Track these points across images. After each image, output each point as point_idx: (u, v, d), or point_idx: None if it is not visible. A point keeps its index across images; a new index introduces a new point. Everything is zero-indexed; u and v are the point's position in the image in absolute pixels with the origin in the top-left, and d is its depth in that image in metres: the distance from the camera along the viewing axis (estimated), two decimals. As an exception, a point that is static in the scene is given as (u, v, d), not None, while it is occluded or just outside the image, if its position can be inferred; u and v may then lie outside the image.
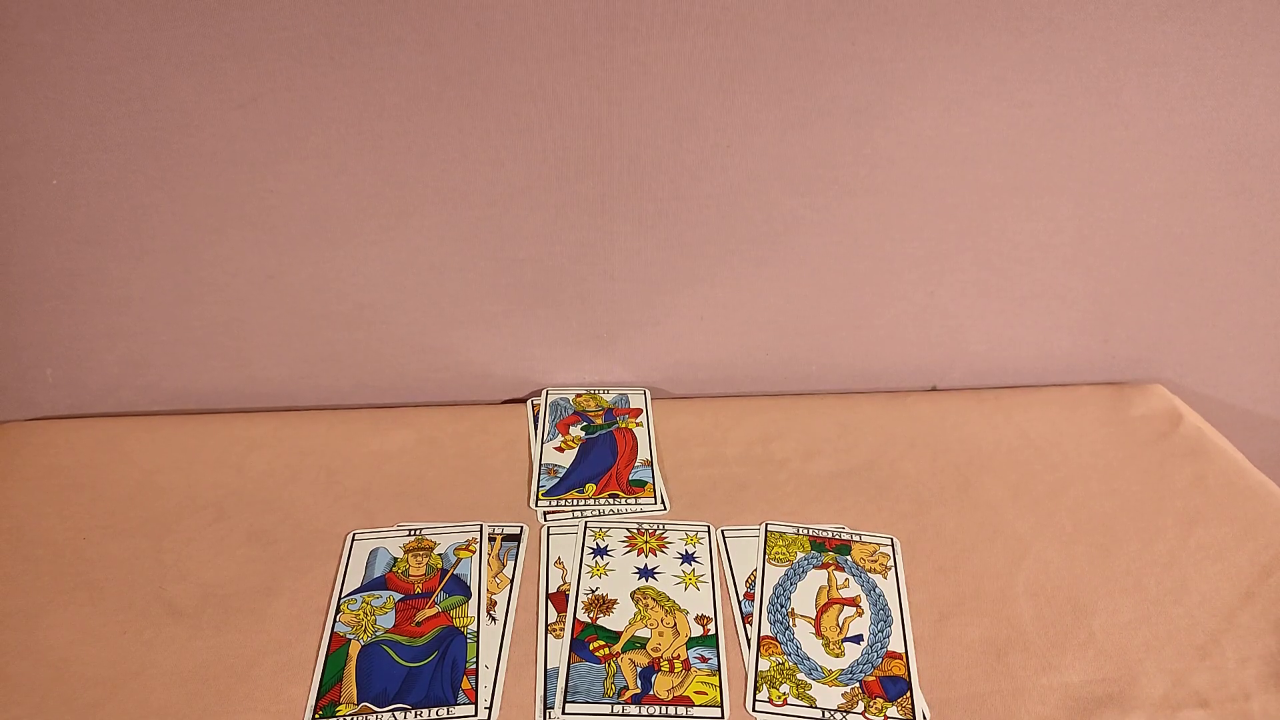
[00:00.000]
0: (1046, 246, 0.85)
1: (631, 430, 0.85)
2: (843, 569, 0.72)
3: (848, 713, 0.61)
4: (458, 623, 0.66)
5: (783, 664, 0.64)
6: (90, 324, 0.81)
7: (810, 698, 0.62)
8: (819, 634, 0.67)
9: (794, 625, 0.67)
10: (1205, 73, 0.74)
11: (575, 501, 0.77)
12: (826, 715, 0.61)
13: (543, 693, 0.62)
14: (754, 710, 0.61)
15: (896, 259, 0.84)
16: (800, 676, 0.64)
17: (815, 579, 0.71)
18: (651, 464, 0.81)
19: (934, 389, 0.95)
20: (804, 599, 0.69)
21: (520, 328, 0.86)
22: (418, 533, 0.74)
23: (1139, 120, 0.77)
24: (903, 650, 0.65)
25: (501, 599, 0.68)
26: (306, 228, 0.77)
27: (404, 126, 0.72)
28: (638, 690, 0.62)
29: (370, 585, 0.69)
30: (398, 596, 0.68)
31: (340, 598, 0.68)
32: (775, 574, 0.71)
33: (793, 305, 0.86)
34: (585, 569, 0.71)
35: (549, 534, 0.74)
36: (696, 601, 0.69)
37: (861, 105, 0.74)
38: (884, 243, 0.83)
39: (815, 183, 0.78)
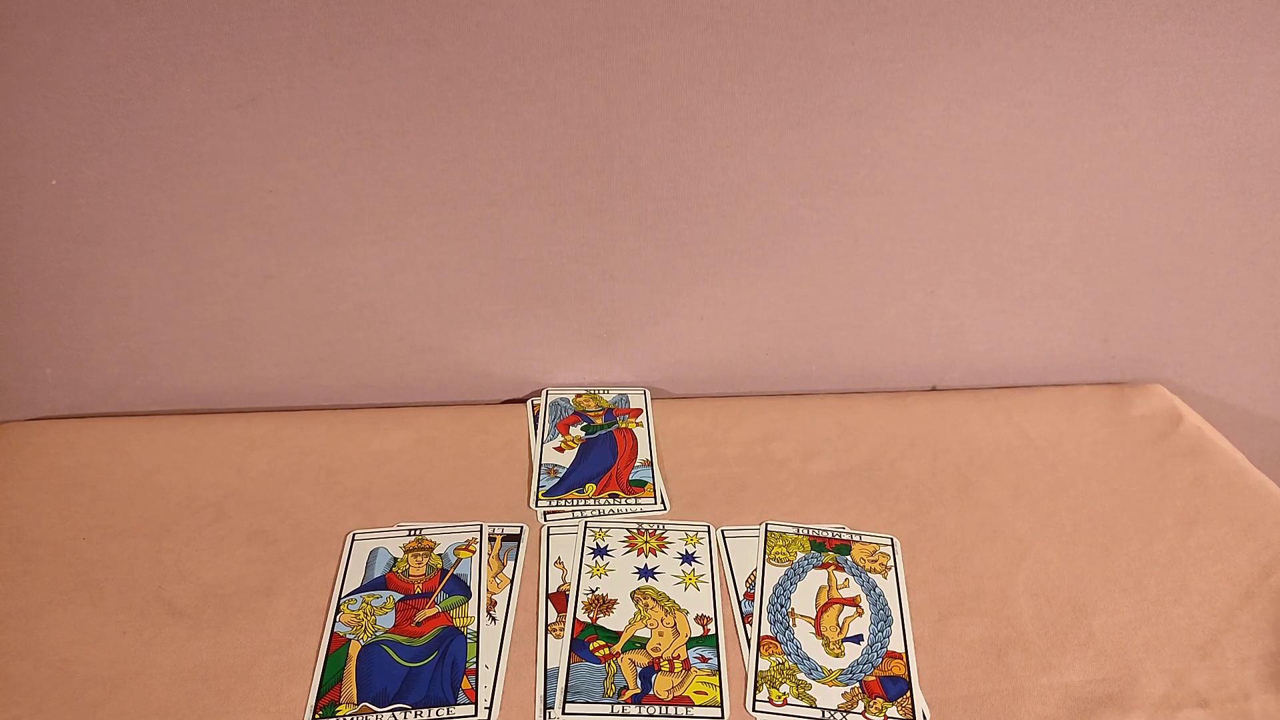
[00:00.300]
0: (1046, 246, 0.85)
1: (631, 430, 0.85)
2: (843, 569, 0.72)
3: (848, 713, 0.61)
4: (458, 623, 0.66)
5: (783, 664, 0.64)
6: (90, 324, 0.81)
7: (810, 698, 0.62)
8: (819, 634, 0.67)
9: (794, 625, 0.67)
10: (1205, 72, 0.74)
11: (575, 501, 0.77)
12: (826, 715, 0.61)
13: (543, 693, 0.62)
14: (754, 710, 0.61)
15: (896, 259, 0.84)
16: (800, 676, 0.64)
17: (815, 579, 0.71)
18: (651, 464, 0.81)
19: (934, 389, 0.95)
20: (804, 599, 0.69)
21: (520, 327, 0.86)
22: (418, 533, 0.74)
23: (1139, 120, 0.77)
24: (903, 650, 0.65)
25: (501, 599, 0.68)
26: (306, 228, 0.77)
27: (403, 126, 0.72)
28: (638, 690, 0.62)
29: (370, 585, 0.69)
30: (398, 596, 0.68)
31: (340, 598, 0.68)
32: (775, 574, 0.71)
33: (793, 305, 0.86)
34: (585, 569, 0.71)
35: (549, 534, 0.74)
36: (696, 601, 0.69)
37: (861, 105, 0.74)
38: (884, 243, 0.83)
39: (815, 183, 0.78)
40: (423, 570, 0.70)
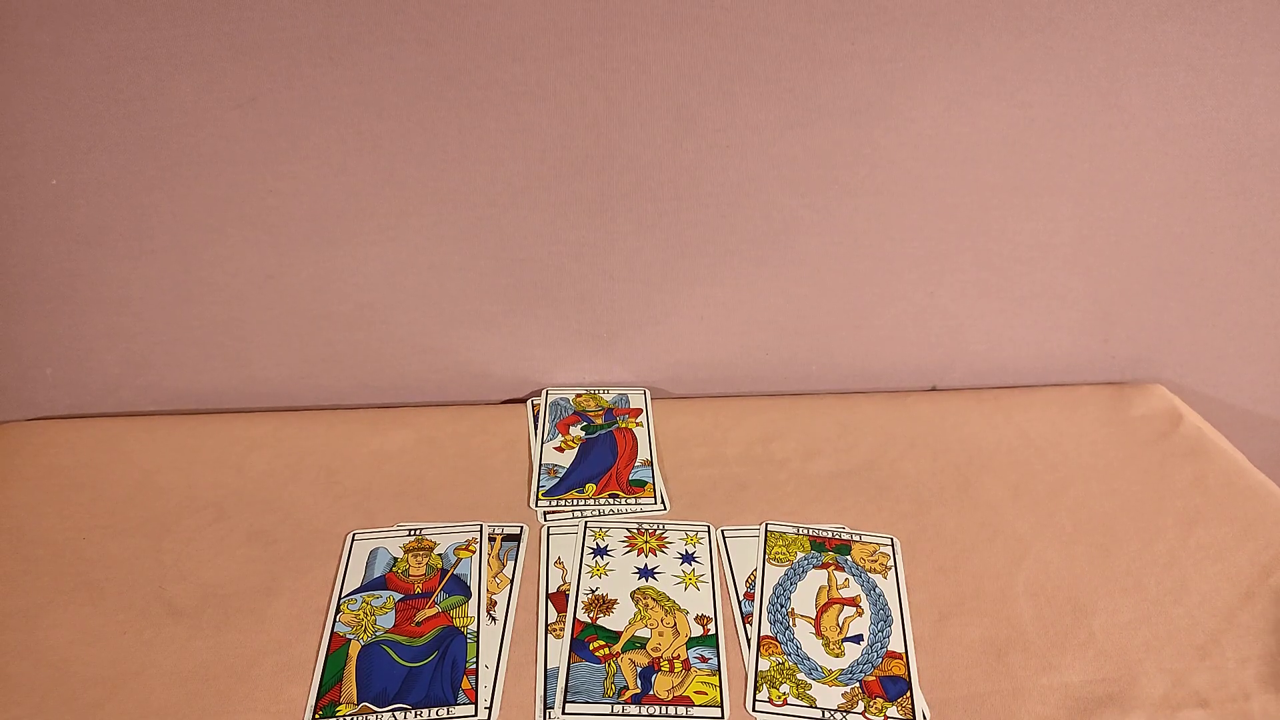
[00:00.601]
0: (1046, 246, 0.85)
1: (631, 430, 0.85)
2: (843, 569, 0.72)
3: (848, 713, 0.61)
4: (458, 623, 0.66)
5: (783, 664, 0.64)
6: (90, 324, 0.81)
7: (810, 698, 0.62)
8: (819, 634, 0.67)
9: (794, 625, 0.67)
10: (1205, 73, 0.74)
11: (575, 501, 0.77)
12: (826, 715, 0.61)
13: (543, 693, 0.62)
14: (754, 710, 0.61)
15: (896, 259, 0.84)
16: (800, 676, 0.64)
17: (815, 579, 0.71)
18: (651, 464, 0.81)
19: (934, 389, 0.95)
20: (804, 599, 0.69)
21: (520, 327, 0.86)
22: (418, 533, 0.74)
23: (1139, 120, 0.77)
24: (903, 650, 0.65)
25: (501, 599, 0.68)
26: (306, 228, 0.77)
27: (404, 126, 0.72)
28: (638, 690, 0.62)
29: (370, 585, 0.69)
30: (398, 596, 0.68)
31: (340, 598, 0.68)
32: (775, 574, 0.71)
33: (793, 305, 0.86)
34: (585, 569, 0.71)
35: (549, 534, 0.74)
36: (696, 601, 0.69)
37: (861, 105, 0.74)
38: (884, 243, 0.83)
39: (815, 183, 0.78)
40: (423, 570, 0.70)
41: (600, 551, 0.73)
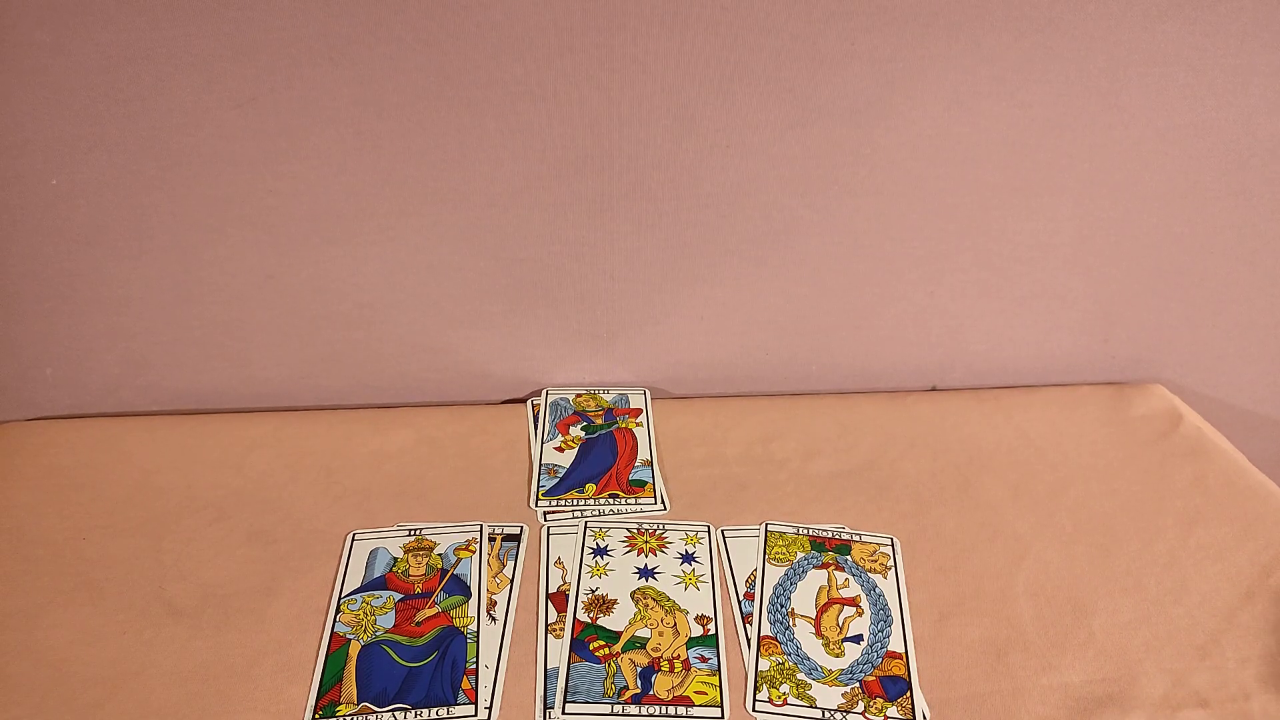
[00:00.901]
0: (1046, 246, 0.85)
1: (631, 430, 0.85)
2: (843, 569, 0.72)
3: (848, 713, 0.61)
4: (458, 623, 0.66)
5: (783, 664, 0.64)
6: (90, 324, 0.81)
7: (810, 698, 0.62)
8: (819, 634, 0.67)
9: (794, 625, 0.67)
10: (1205, 73, 0.74)
11: (575, 501, 0.77)
12: (826, 715, 0.61)
13: (543, 693, 0.62)
14: (754, 710, 0.61)
15: (896, 259, 0.84)
16: (800, 676, 0.64)
17: (815, 579, 0.71)
18: (651, 464, 0.81)
19: (934, 389, 0.95)
20: (804, 599, 0.69)
21: (520, 328, 0.86)
22: (418, 533, 0.74)
23: (1139, 120, 0.77)
24: (903, 650, 0.65)
25: (501, 599, 0.68)
26: (306, 228, 0.77)
27: (403, 126, 0.72)
28: (638, 690, 0.62)
29: (370, 585, 0.69)
30: (398, 596, 0.68)
31: (340, 598, 0.68)
32: (775, 574, 0.71)
33: (793, 305, 0.86)
34: (585, 569, 0.71)
35: (549, 534, 0.74)
36: (696, 601, 0.69)
37: (861, 105, 0.74)
38: (884, 243, 0.83)
39: (815, 183, 0.78)
40: (423, 570, 0.70)
41: (600, 551, 0.73)
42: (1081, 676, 0.64)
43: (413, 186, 0.75)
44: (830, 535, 0.74)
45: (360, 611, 0.67)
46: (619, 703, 0.61)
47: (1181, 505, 0.78)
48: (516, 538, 0.74)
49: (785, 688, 0.63)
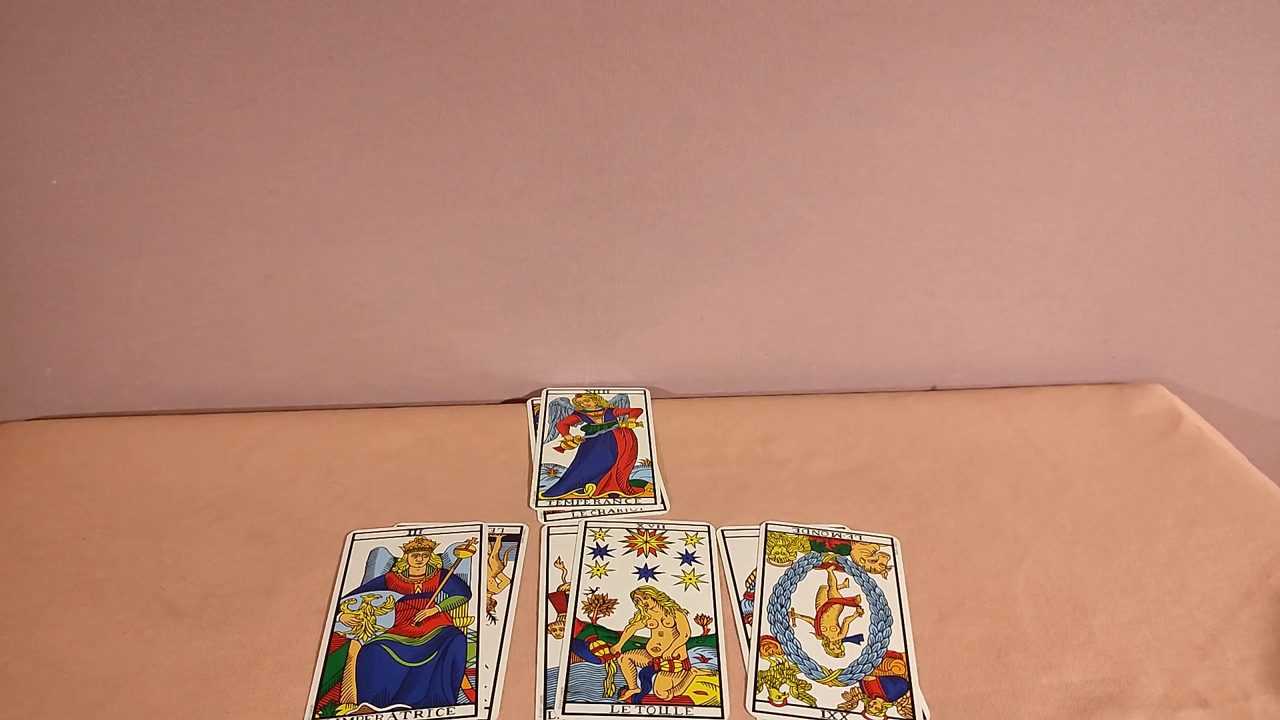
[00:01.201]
0: (1046, 246, 0.85)
1: (631, 430, 0.85)
2: (843, 569, 0.72)
3: (848, 713, 0.61)
4: (458, 623, 0.66)
5: (783, 664, 0.64)
6: (90, 324, 0.81)
7: (810, 698, 0.62)
8: (819, 634, 0.67)
9: (794, 625, 0.67)
10: (1205, 73, 0.74)
11: (575, 501, 0.77)
12: (826, 715, 0.61)
13: (543, 693, 0.62)
14: (754, 710, 0.61)
15: (896, 259, 0.84)
16: (800, 676, 0.64)
17: (815, 579, 0.71)
18: (651, 464, 0.81)
19: (934, 389, 0.95)
20: (804, 599, 0.69)
21: (520, 327, 0.86)
22: (418, 533, 0.74)
23: (1139, 120, 0.77)
24: (903, 650, 0.65)
25: (501, 599, 0.68)
26: (306, 228, 0.77)
27: (403, 126, 0.72)
28: (638, 690, 0.62)
29: (370, 585, 0.69)
30: (398, 596, 0.68)
31: (340, 598, 0.68)
32: (775, 574, 0.71)
33: (793, 305, 0.86)
34: (585, 569, 0.71)
35: (549, 534, 0.74)
36: (696, 601, 0.69)
37: (861, 105, 0.74)
38: (884, 243, 0.83)
39: (815, 183, 0.78)
40: (423, 570, 0.70)
41: (600, 551, 0.73)
42: (1081, 676, 0.64)
43: (413, 186, 0.75)
44: (830, 535, 0.74)
45: (360, 611, 0.67)
46: (619, 703, 0.61)
47: (1181, 505, 0.78)
48: (516, 538, 0.74)
49: (785, 688, 0.63)
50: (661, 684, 0.62)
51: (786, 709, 0.62)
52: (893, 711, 0.61)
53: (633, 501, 0.77)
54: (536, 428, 0.86)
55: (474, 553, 0.72)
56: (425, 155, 0.73)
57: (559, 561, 0.72)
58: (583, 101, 0.72)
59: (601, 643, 0.65)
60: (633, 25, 0.68)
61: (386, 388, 0.89)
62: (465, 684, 0.62)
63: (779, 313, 0.87)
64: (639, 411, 0.88)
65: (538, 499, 0.77)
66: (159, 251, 0.77)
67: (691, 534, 0.74)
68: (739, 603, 0.69)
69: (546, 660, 0.64)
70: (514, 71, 0.70)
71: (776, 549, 0.73)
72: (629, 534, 0.74)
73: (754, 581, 0.71)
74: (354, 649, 0.64)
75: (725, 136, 0.74)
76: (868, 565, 0.72)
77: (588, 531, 0.74)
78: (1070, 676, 0.63)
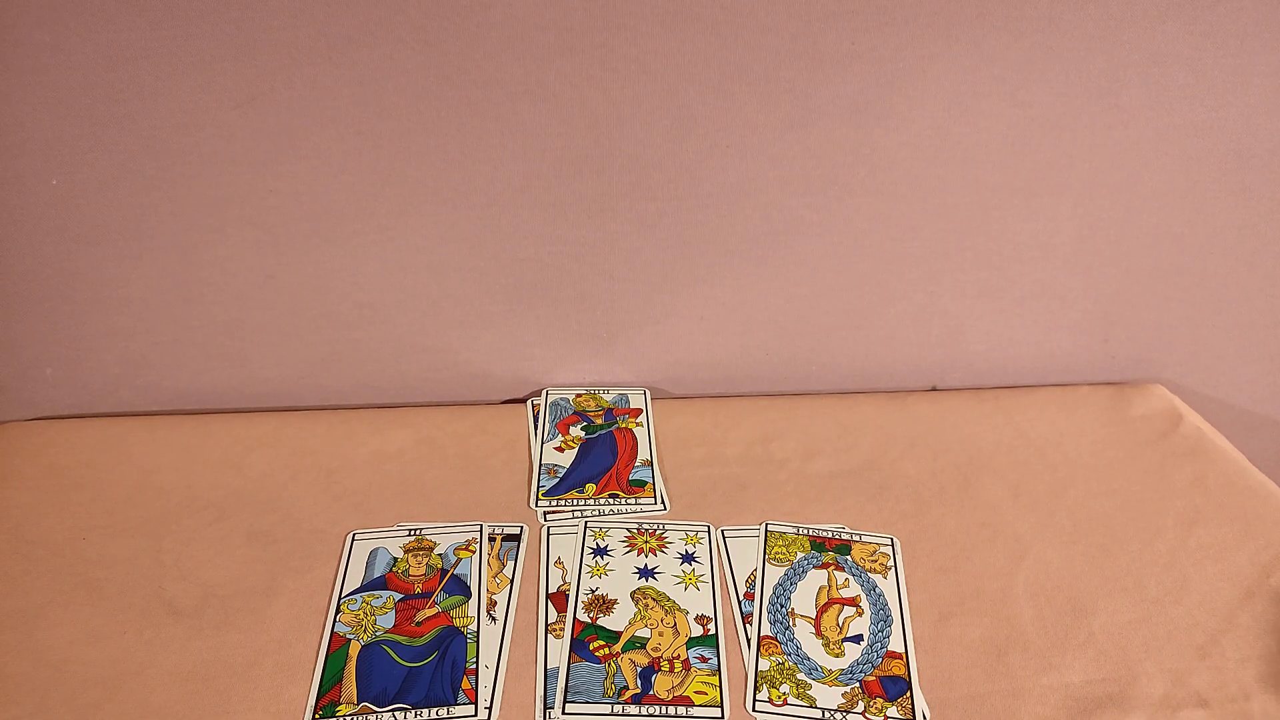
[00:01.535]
0: (1046, 246, 0.85)
1: (631, 430, 0.85)
2: (843, 569, 0.72)
3: (848, 713, 0.61)
4: (458, 623, 0.66)
5: (783, 664, 0.64)
6: (90, 324, 0.81)
7: (810, 698, 0.62)
8: (819, 634, 0.67)
9: (794, 625, 0.67)
10: (1205, 73, 0.74)
11: (575, 501, 0.77)
12: (826, 715, 0.61)
13: (543, 693, 0.62)
14: (754, 710, 0.61)
15: (896, 259, 0.84)
16: (800, 676, 0.64)
17: (815, 579, 0.71)
18: (651, 464, 0.81)
19: (934, 389, 0.95)
20: (804, 599, 0.69)
21: (520, 328, 0.86)
22: (418, 533, 0.74)
23: (1139, 120, 0.77)
24: (903, 650, 0.65)
25: (501, 599, 0.68)
26: (306, 228, 0.77)
27: (403, 126, 0.72)
28: (638, 690, 0.62)
29: (370, 585, 0.69)
30: (398, 596, 0.68)
31: (340, 598, 0.68)
32: (775, 574, 0.71)
33: (793, 305, 0.86)
34: (585, 569, 0.71)
35: (549, 534, 0.74)
36: (696, 601, 0.69)
37: (861, 105, 0.74)
38: (884, 243, 0.83)
39: (815, 183, 0.78)
40: (423, 570, 0.70)
41: (600, 551, 0.73)
42: (1081, 676, 0.64)
43: (413, 186, 0.75)
44: (830, 535, 0.74)
45: (360, 611, 0.67)
46: (619, 703, 0.61)
47: (1181, 505, 0.78)
48: (516, 538, 0.74)
49: (785, 688, 0.63)
50: (661, 684, 0.62)
51: (786, 709, 0.62)
52: (893, 711, 0.61)
53: (633, 501, 0.77)
54: (536, 428, 0.86)
55: (474, 553, 0.72)
56: (425, 155, 0.73)
57: (559, 561, 0.72)
58: (583, 101, 0.72)
59: (601, 643, 0.65)
60: (633, 25, 0.68)
61: (386, 388, 0.89)
62: (465, 684, 0.62)
63: (779, 313, 0.87)
64: (639, 411, 0.88)
65: (538, 499, 0.77)
66: (159, 251, 0.77)
67: (691, 534, 0.74)
68: (739, 603, 0.69)
69: (546, 660, 0.64)
70: (514, 71, 0.70)
71: (776, 549, 0.73)
72: (629, 534, 0.74)
73: (754, 581, 0.71)
74: (354, 649, 0.64)
75: (725, 136, 0.74)
76: (868, 565, 0.72)
77: (588, 531, 0.74)
78: (1070, 676, 0.64)
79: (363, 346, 0.85)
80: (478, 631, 0.66)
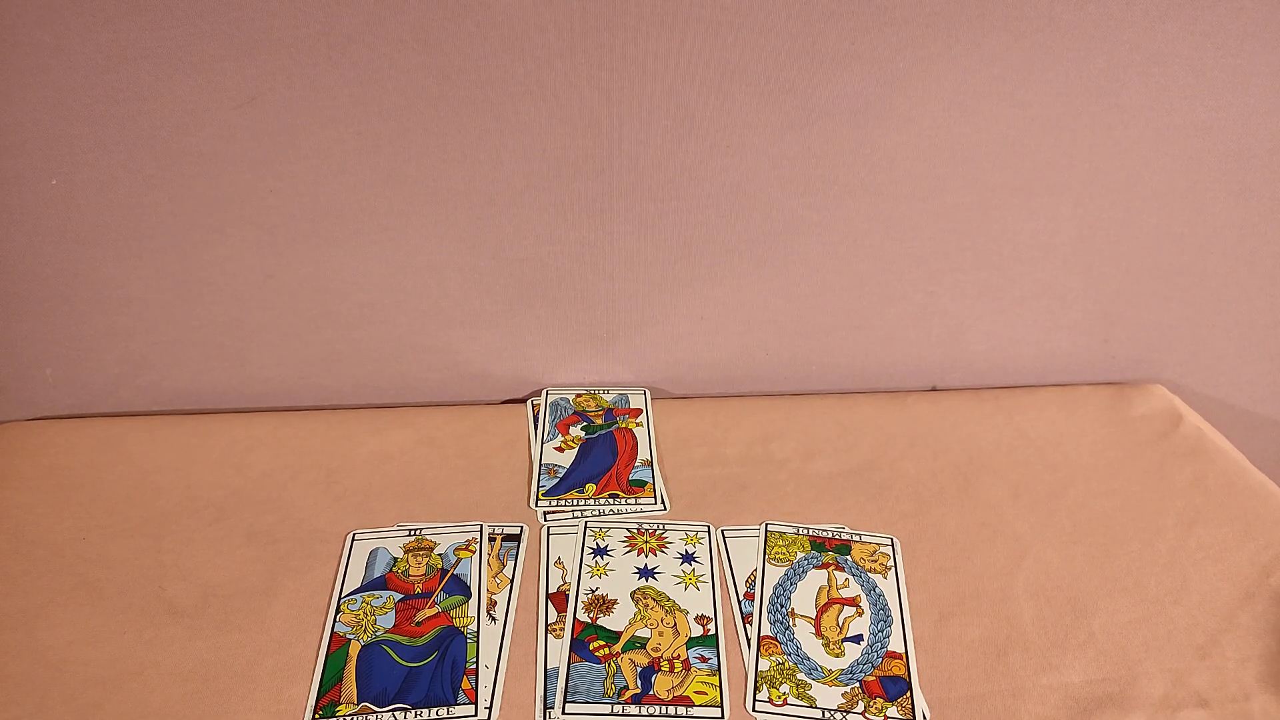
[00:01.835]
0: (1046, 246, 0.85)
1: (631, 430, 0.85)
2: (843, 569, 0.72)
3: (848, 713, 0.61)
4: (458, 623, 0.66)
5: (783, 664, 0.64)
6: (90, 324, 0.81)
7: (810, 698, 0.62)
8: (819, 634, 0.67)
9: (794, 625, 0.67)
10: (1205, 73, 0.74)
11: (575, 501, 0.77)
12: (826, 715, 0.61)
13: (543, 693, 0.62)
14: (754, 710, 0.61)
15: (896, 259, 0.84)
16: (800, 676, 0.64)
17: (815, 579, 0.71)
18: (651, 464, 0.81)
19: (934, 389, 0.95)
20: (804, 599, 0.69)
21: (520, 328, 0.86)
22: (418, 533, 0.74)
23: (1139, 120, 0.77)
24: (903, 650, 0.65)
25: (501, 599, 0.68)
26: (306, 228, 0.77)
27: (403, 126, 0.72)
28: (638, 690, 0.62)
29: (370, 585, 0.69)
30: (398, 596, 0.68)
31: (340, 598, 0.68)
32: (775, 574, 0.71)
33: (793, 305, 0.86)
34: (585, 569, 0.71)
35: (549, 534, 0.74)
36: (696, 601, 0.69)
37: (861, 105, 0.74)
38: (884, 243, 0.83)
39: (815, 183, 0.78)
40: (423, 570, 0.70)
41: (600, 551, 0.73)
42: (1081, 676, 0.64)
43: (412, 186, 0.75)
44: (830, 535, 0.74)
45: (360, 611, 0.67)
46: (619, 703, 0.61)
47: (1181, 505, 0.78)
48: (516, 538, 0.74)
49: (785, 688, 0.63)
50: (661, 684, 0.62)
51: (786, 709, 0.62)
52: (893, 711, 0.61)
53: (633, 501, 0.77)
54: (536, 428, 0.86)
55: (474, 553, 0.72)
56: (425, 155, 0.73)
57: (559, 561, 0.72)
58: (583, 101, 0.72)
59: (601, 643, 0.65)
60: (633, 25, 0.68)
61: (386, 388, 0.89)
62: (465, 684, 0.62)
63: (779, 313, 0.87)
64: (639, 411, 0.88)
65: (538, 499, 0.77)
66: (159, 251, 0.77)
67: (691, 534, 0.74)
68: (739, 603, 0.69)
69: (546, 660, 0.64)
70: (514, 71, 0.70)
71: (776, 549, 0.73)
72: (629, 534, 0.74)
73: (754, 581, 0.71)
74: (354, 649, 0.64)
75: (725, 136, 0.74)
76: (868, 565, 0.72)
77: (588, 531, 0.74)
78: (1070, 676, 0.64)
79: (363, 346, 0.85)
80: (478, 631, 0.66)
